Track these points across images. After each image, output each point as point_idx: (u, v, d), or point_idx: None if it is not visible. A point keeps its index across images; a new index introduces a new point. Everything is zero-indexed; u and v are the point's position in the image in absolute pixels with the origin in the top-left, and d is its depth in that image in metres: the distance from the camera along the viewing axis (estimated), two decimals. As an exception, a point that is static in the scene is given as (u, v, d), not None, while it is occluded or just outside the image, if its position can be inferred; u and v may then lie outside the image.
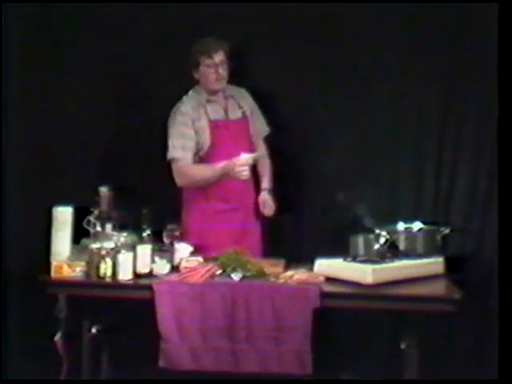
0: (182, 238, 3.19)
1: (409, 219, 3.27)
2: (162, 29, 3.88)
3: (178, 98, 3.53)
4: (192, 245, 3.20)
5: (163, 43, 3.88)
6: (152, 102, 3.90)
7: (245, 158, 3.26)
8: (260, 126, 3.65)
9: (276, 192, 3.68)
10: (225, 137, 3.42)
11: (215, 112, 3.47)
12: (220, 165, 3.31)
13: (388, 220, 3.19)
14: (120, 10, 3.84)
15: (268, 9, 3.73)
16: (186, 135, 3.38)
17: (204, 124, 3.41)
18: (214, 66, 3.37)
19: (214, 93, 3.47)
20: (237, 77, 3.57)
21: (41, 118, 3.94)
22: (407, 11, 3.67)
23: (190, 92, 3.50)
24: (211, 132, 3.41)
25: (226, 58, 3.41)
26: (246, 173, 3.26)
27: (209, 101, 3.47)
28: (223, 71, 3.40)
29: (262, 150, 3.64)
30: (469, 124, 3.74)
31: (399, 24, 3.73)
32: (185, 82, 3.67)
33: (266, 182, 3.63)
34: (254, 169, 3.55)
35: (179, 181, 3.40)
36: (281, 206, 3.69)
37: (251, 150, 3.47)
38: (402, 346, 2.83)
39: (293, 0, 3.74)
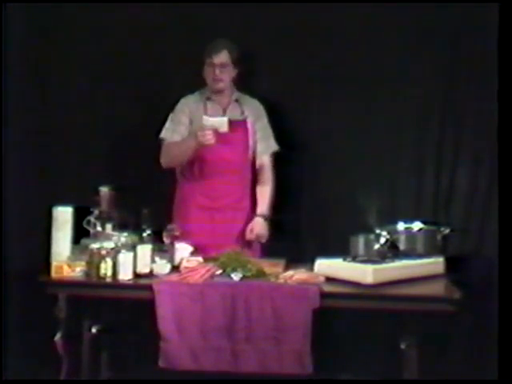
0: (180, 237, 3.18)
1: (409, 219, 3.26)
2: (163, 30, 3.88)
3: (178, 99, 3.55)
4: (191, 243, 3.18)
5: (164, 45, 3.88)
6: (152, 103, 3.90)
7: (207, 120, 3.27)
8: (266, 141, 3.64)
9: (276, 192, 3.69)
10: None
11: (213, 109, 3.52)
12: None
13: (388, 220, 3.19)
14: (120, 10, 3.85)
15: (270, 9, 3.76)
16: (179, 121, 3.48)
17: (199, 117, 3.42)
18: (212, 66, 3.44)
19: (217, 92, 3.53)
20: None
21: (41, 118, 3.93)
22: (407, 11, 3.67)
23: (197, 91, 3.58)
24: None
25: (232, 61, 3.46)
26: (209, 137, 3.23)
27: (209, 99, 3.55)
28: (220, 73, 3.44)
29: (265, 165, 3.64)
30: (469, 124, 3.74)
31: (399, 24, 3.73)
32: (185, 83, 3.67)
33: (261, 207, 3.57)
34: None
35: (162, 161, 3.48)
36: (281, 206, 3.69)
37: (245, 152, 3.54)
38: (402, 346, 2.82)
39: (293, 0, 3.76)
